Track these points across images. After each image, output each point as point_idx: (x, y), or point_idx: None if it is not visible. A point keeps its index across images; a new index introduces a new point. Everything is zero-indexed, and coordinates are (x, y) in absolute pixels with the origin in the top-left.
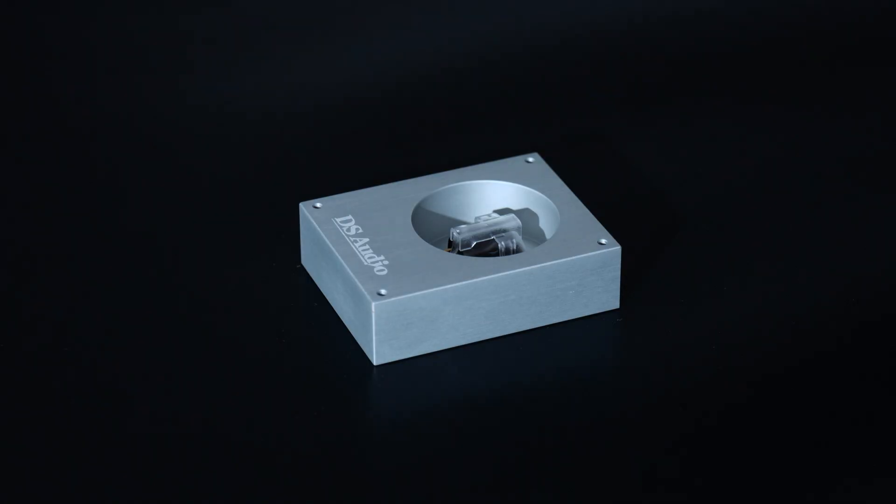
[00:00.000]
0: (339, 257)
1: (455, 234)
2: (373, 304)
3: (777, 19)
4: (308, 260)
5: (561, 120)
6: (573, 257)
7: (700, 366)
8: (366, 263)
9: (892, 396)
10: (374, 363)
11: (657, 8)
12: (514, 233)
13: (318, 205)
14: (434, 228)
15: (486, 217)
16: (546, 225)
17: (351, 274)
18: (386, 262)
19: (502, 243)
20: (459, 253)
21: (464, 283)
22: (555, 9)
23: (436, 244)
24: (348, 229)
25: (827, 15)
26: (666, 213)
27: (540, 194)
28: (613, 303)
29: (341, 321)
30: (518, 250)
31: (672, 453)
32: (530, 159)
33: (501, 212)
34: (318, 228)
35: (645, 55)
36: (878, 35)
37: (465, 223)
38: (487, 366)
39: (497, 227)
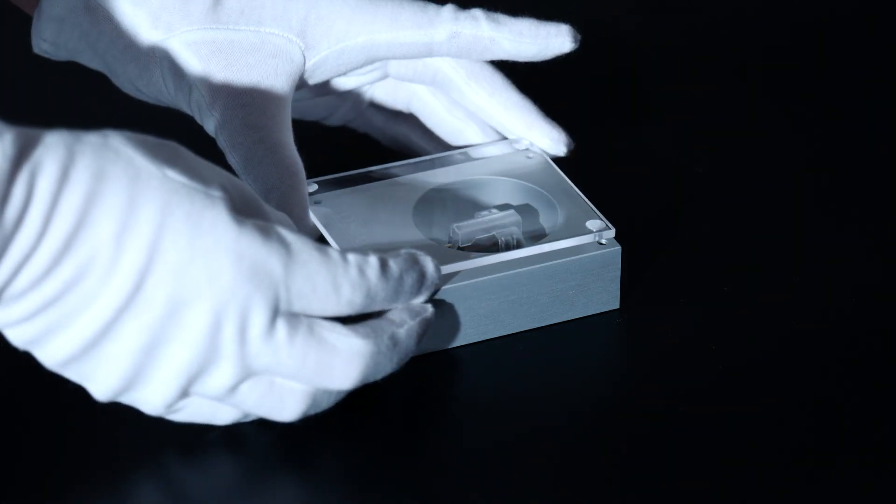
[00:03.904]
0: None
1: (455, 229)
2: None
3: (777, 16)
4: None
5: (561, 120)
6: (573, 257)
7: (700, 366)
8: None
9: (893, 396)
10: None
11: (657, 6)
12: (515, 229)
13: (318, 199)
14: (434, 224)
15: (487, 213)
16: (546, 221)
17: None
18: None
19: (502, 239)
20: (460, 249)
21: (464, 283)
22: (554, 8)
23: (436, 240)
24: (348, 225)
25: (827, 12)
26: (666, 212)
27: (541, 190)
28: (613, 303)
29: None
30: (518, 246)
31: (672, 454)
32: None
33: (502, 207)
34: (318, 224)
35: (645, 54)
36: (879, 32)
37: (465, 219)
38: (488, 366)
39: (497, 223)
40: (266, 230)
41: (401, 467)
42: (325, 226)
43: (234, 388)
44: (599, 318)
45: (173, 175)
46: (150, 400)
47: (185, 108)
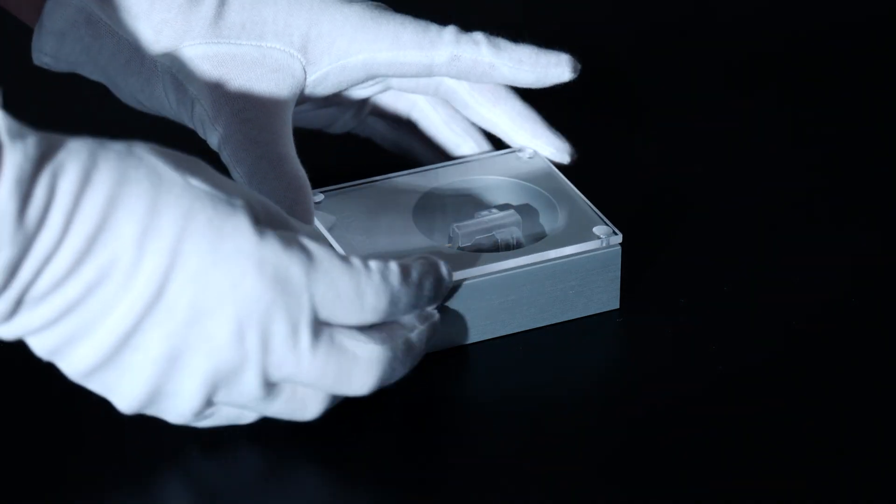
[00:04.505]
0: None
1: (455, 229)
2: None
3: (775, 18)
4: None
5: (559, 121)
6: (574, 257)
7: (700, 366)
8: None
9: (894, 397)
10: None
11: (656, 6)
12: (515, 229)
13: (319, 200)
14: (435, 224)
15: (487, 213)
16: (546, 222)
17: None
18: None
19: (502, 239)
20: (460, 249)
21: (464, 282)
22: (554, 8)
23: (437, 240)
24: (348, 225)
25: (824, 10)
26: (667, 212)
27: (541, 190)
28: (614, 303)
29: None
30: (518, 246)
31: (673, 454)
32: (529, 152)
33: (502, 207)
34: (319, 223)
35: (645, 53)
36: (875, 32)
37: (465, 219)
38: (487, 366)
39: (497, 223)
40: (288, 239)
41: (401, 466)
42: (329, 230)
43: (258, 397)
44: (599, 318)
45: (196, 183)
46: (176, 410)
47: (188, 123)
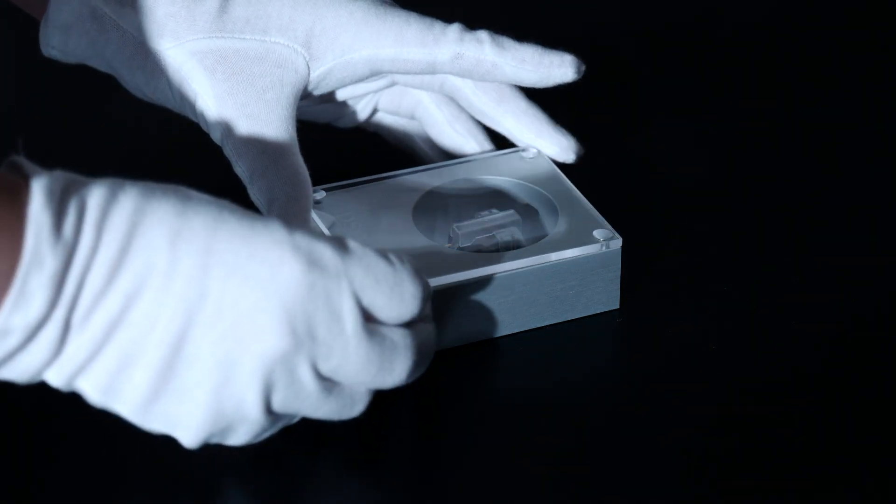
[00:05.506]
0: None
1: (456, 229)
2: None
3: (776, 15)
4: None
5: (560, 120)
6: (574, 257)
7: (700, 366)
8: None
9: (894, 397)
10: None
11: (656, 6)
12: (515, 229)
13: (321, 197)
14: (435, 224)
15: (487, 213)
16: (547, 222)
17: None
18: None
19: (503, 239)
20: (460, 249)
21: (463, 282)
22: (555, 8)
23: (437, 240)
24: (348, 224)
25: (824, 10)
26: (667, 212)
27: (542, 191)
28: (613, 303)
29: None
30: (518, 247)
31: (672, 455)
32: (532, 152)
33: (502, 208)
34: (319, 222)
35: (646, 53)
36: (876, 32)
37: (466, 219)
38: (487, 367)
39: (498, 223)
40: (317, 233)
41: (401, 466)
42: (329, 229)
43: (314, 392)
44: (599, 318)
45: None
46: (242, 428)
47: (191, 116)
